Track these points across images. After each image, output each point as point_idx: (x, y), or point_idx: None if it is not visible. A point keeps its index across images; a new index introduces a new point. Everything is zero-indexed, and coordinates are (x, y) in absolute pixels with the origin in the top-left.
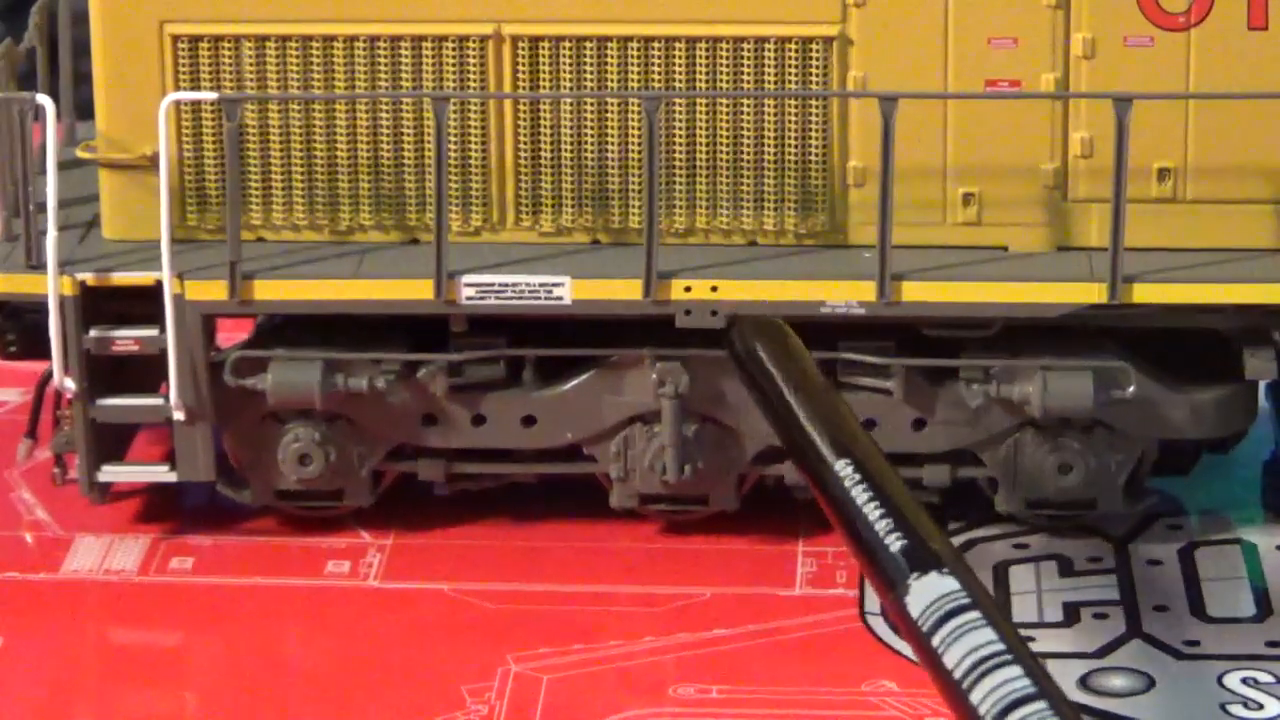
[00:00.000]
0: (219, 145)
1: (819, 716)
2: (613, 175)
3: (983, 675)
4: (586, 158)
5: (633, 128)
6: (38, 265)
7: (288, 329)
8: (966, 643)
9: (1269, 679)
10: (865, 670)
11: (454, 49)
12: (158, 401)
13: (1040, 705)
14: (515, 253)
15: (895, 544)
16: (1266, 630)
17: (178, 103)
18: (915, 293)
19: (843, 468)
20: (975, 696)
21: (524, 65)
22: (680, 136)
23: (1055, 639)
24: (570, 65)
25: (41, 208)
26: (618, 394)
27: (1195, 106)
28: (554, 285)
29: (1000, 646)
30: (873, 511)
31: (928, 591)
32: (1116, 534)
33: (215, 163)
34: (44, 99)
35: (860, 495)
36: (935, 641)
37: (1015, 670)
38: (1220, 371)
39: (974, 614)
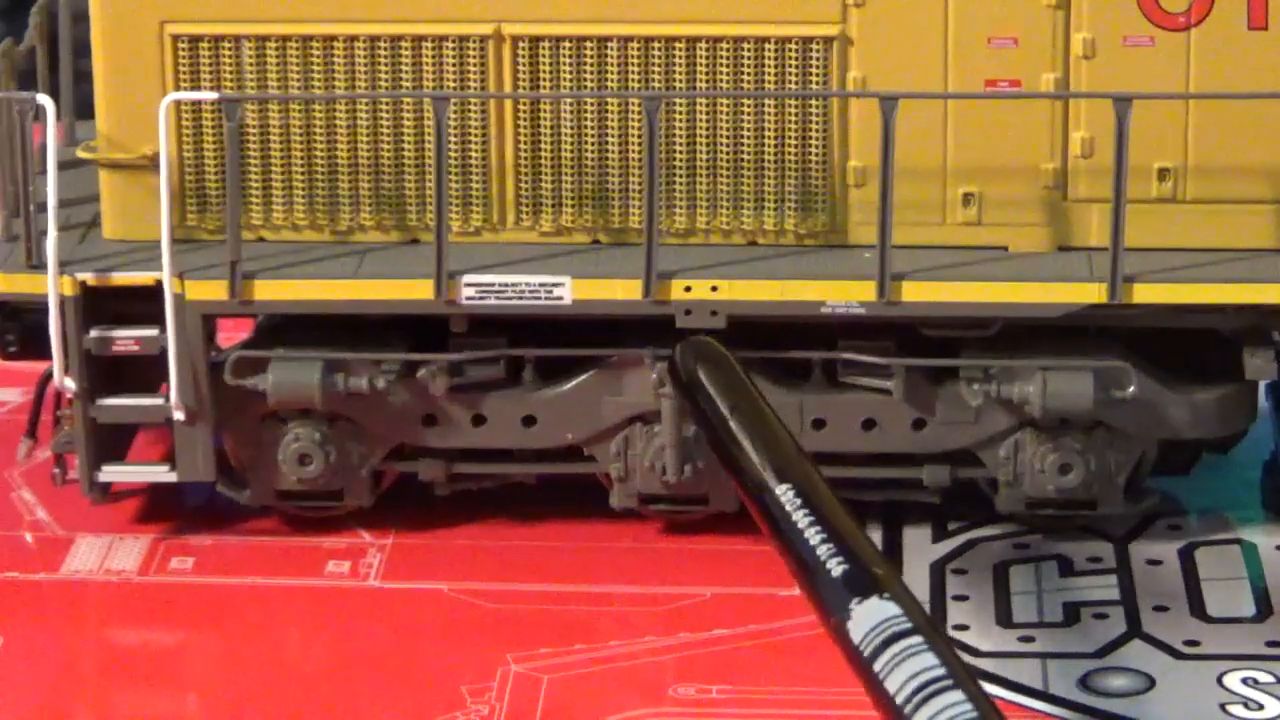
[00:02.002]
0: (219, 145)
1: (819, 716)
2: (613, 175)
3: (925, 700)
4: (586, 158)
5: (633, 128)
6: (38, 265)
7: (288, 329)
8: (908, 668)
9: (1269, 679)
10: None
11: (454, 49)
12: (158, 401)
13: None
14: (515, 253)
15: (836, 569)
16: (1266, 630)
17: (178, 102)
18: (915, 293)
19: (784, 492)
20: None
21: (524, 65)
22: (680, 136)
23: (1055, 639)
24: (570, 65)
25: (41, 208)
26: (618, 394)
27: (1195, 106)
28: (554, 285)
29: (941, 671)
30: (814, 536)
31: (869, 617)
32: (1116, 534)
33: (215, 163)
34: (44, 99)
35: (801, 520)
36: (877, 667)
37: (958, 695)
38: (1220, 371)
39: (916, 639)
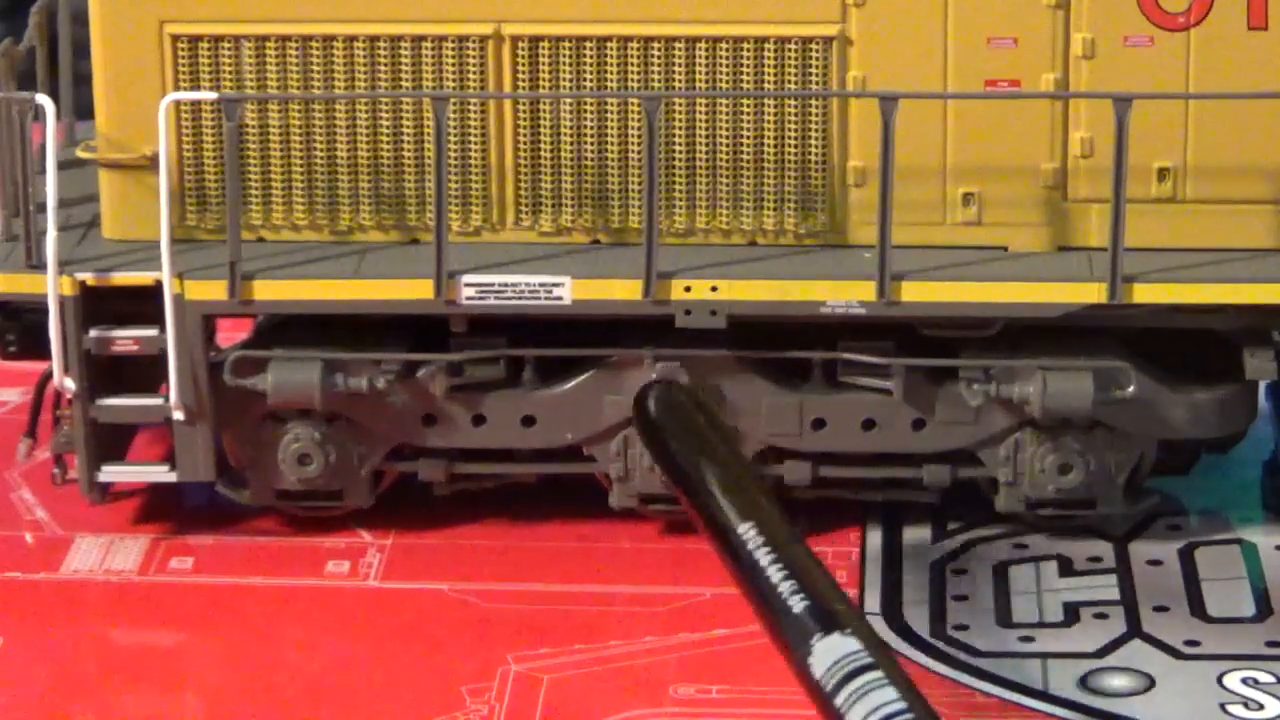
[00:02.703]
0: (219, 145)
1: (819, 716)
2: (613, 175)
3: None
4: (586, 158)
5: (633, 128)
6: (38, 265)
7: (288, 329)
8: (869, 702)
9: (1269, 679)
10: None
11: (454, 49)
12: (158, 401)
13: None
14: (515, 253)
15: (798, 605)
16: (1266, 630)
17: (177, 102)
18: (915, 293)
19: (746, 531)
20: None
21: (524, 65)
22: (680, 136)
23: (1055, 639)
24: (570, 65)
25: (41, 208)
26: (618, 394)
27: (1195, 106)
28: (554, 285)
29: (901, 705)
30: (776, 573)
31: (830, 652)
32: (1116, 534)
33: (215, 163)
34: (44, 99)
35: (764, 558)
36: (838, 702)
37: None
38: (1220, 371)
39: (876, 674)
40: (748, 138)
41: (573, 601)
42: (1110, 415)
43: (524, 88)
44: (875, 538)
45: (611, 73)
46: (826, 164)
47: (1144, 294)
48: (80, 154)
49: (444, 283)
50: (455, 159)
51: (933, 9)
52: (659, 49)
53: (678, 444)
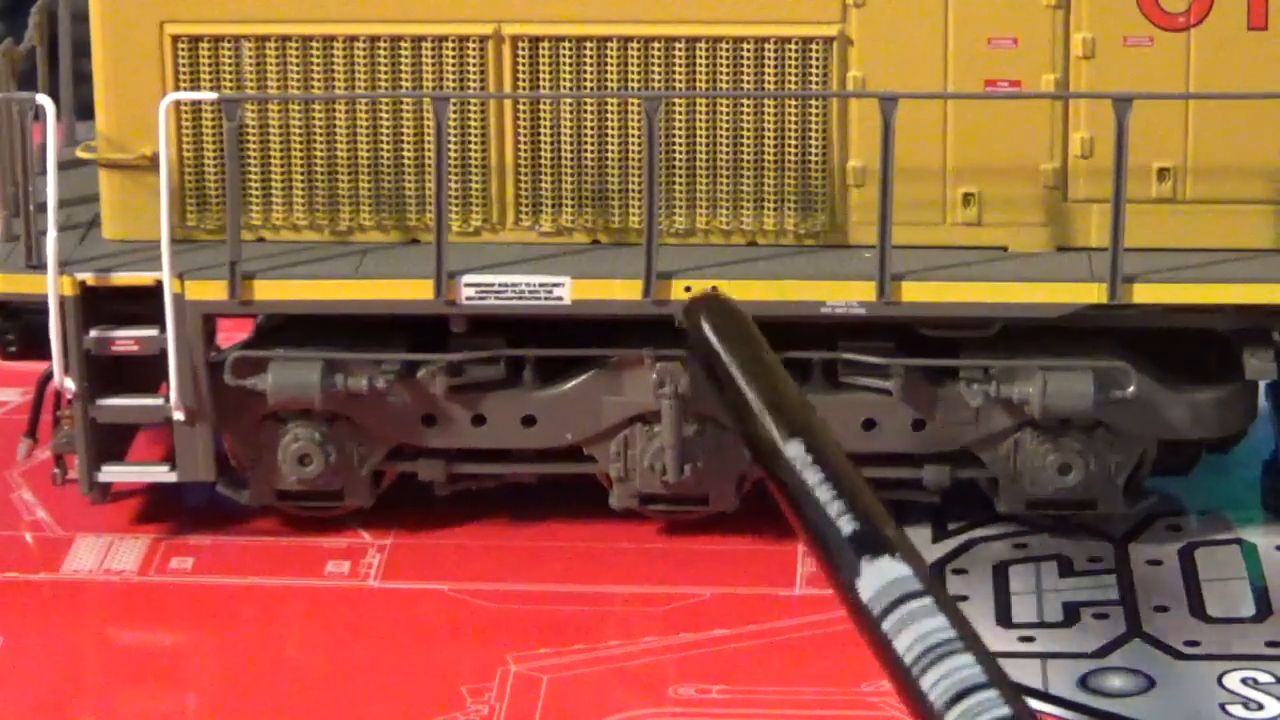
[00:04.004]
0: (219, 145)
1: (819, 716)
2: (613, 175)
3: (933, 662)
4: (586, 158)
5: (633, 128)
6: (38, 265)
7: (288, 329)
8: (917, 629)
9: (1269, 679)
10: (865, 670)
11: (454, 49)
12: (158, 401)
13: (990, 694)
14: (515, 253)
15: (847, 527)
16: (1266, 630)
17: (177, 103)
18: (915, 293)
19: (795, 449)
20: (925, 683)
21: (524, 65)
22: (680, 136)
23: (1055, 639)
24: (570, 65)
25: (41, 208)
26: (618, 394)
27: (1195, 106)
28: (554, 285)
29: (951, 634)
30: (825, 494)
31: (879, 576)
32: (1116, 534)
33: (215, 163)
34: (44, 99)
35: (812, 477)
36: (886, 626)
37: (966, 659)
38: (1220, 371)
39: (925, 600)
40: (748, 138)
41: (573, 601)
42: (1110, 415)
43: (524, 88)
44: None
45: (611, 73)
46: (826, 164)
47: (1144, 294)
48: (80, 154)
49: (444, 283)
50: (455, 159)
51: (933, 9)
52: (659, 49)
53: (722, 357)
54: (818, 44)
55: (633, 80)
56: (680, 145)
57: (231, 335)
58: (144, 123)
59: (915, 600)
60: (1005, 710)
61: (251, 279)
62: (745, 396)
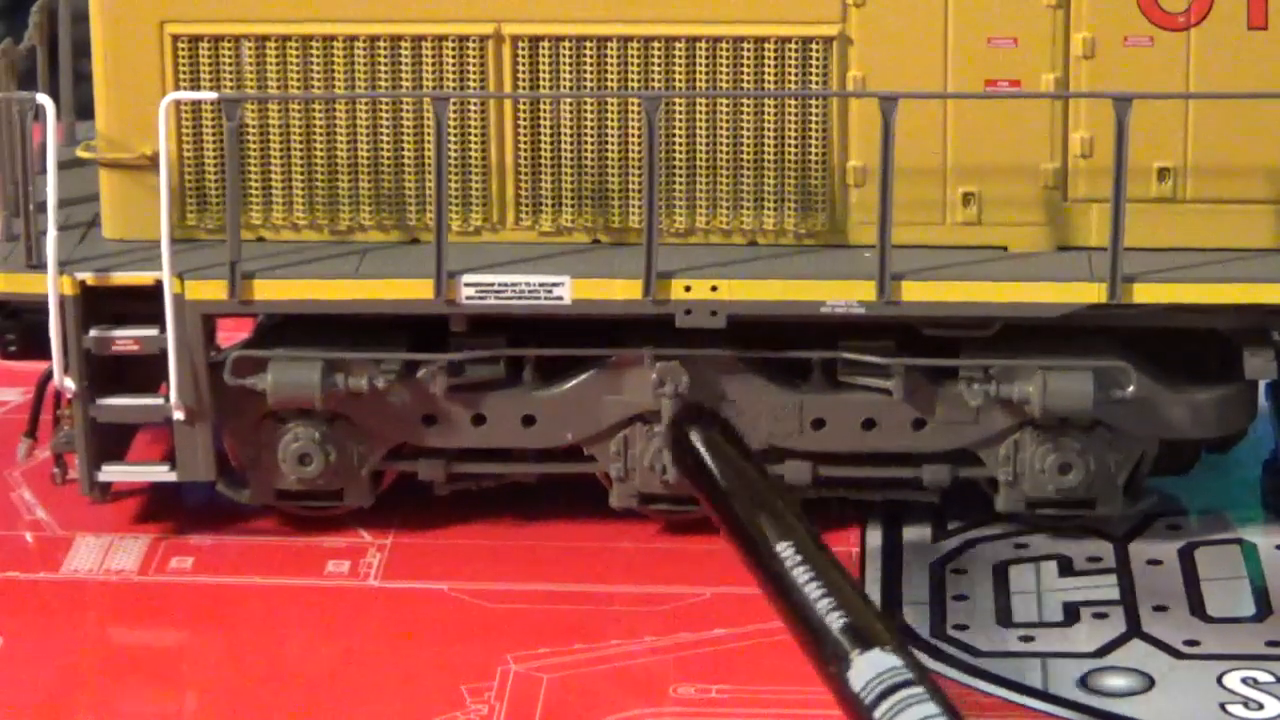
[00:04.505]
0: (219, 145)
1: (819, 716)
2: (613, 175)
3: None
4: (586, 158)
5: (633, 128)
6: (38, 265)
7: (288, 329)
8: (910, 715)
9: (1269, 679)
10: None
11: (454, 49)
12: (158, 401)
13: None
14: (515, 252)
15: (837, 622)
16: (1266, 630)
17: (177, 102)
18: (915, 293)
19: (784, 549)
20: None
21: (524, 65)
22: (680, 136)
23: (1055, 639)
24: (570, 65)
25: (41, 207)
26: (617, 394)
27: (1195, 106)
28: (554, 285)
29: (945, 719)
30: (814, 590)
31: (870, 667)
32: (1116, 534)
33: (215, 162)
34: (44, 99)
35: (801, 575)
36: (878, 714)
37: None
38: (1220, 371)
39: (917, 689)
40: (748, 138)
41: (573, 601)
42: (1110, 415)
43: (524, 88)
44: (875, 538)
45: (611, 73)
46: (826, 164)
47: (1144, 294)
48: (80, 154)
49: (444, 283)
50: (455, 159)
51: (933, 9)
52: (659, 49)
53: (712, 464)
54: (818, 44)
55: (633, 80)
56: (680, 145)
57: (231, 335)
58: (144, 122)
59: (907, 689)
60: None
61: (251, 279)
62: (734, 503)
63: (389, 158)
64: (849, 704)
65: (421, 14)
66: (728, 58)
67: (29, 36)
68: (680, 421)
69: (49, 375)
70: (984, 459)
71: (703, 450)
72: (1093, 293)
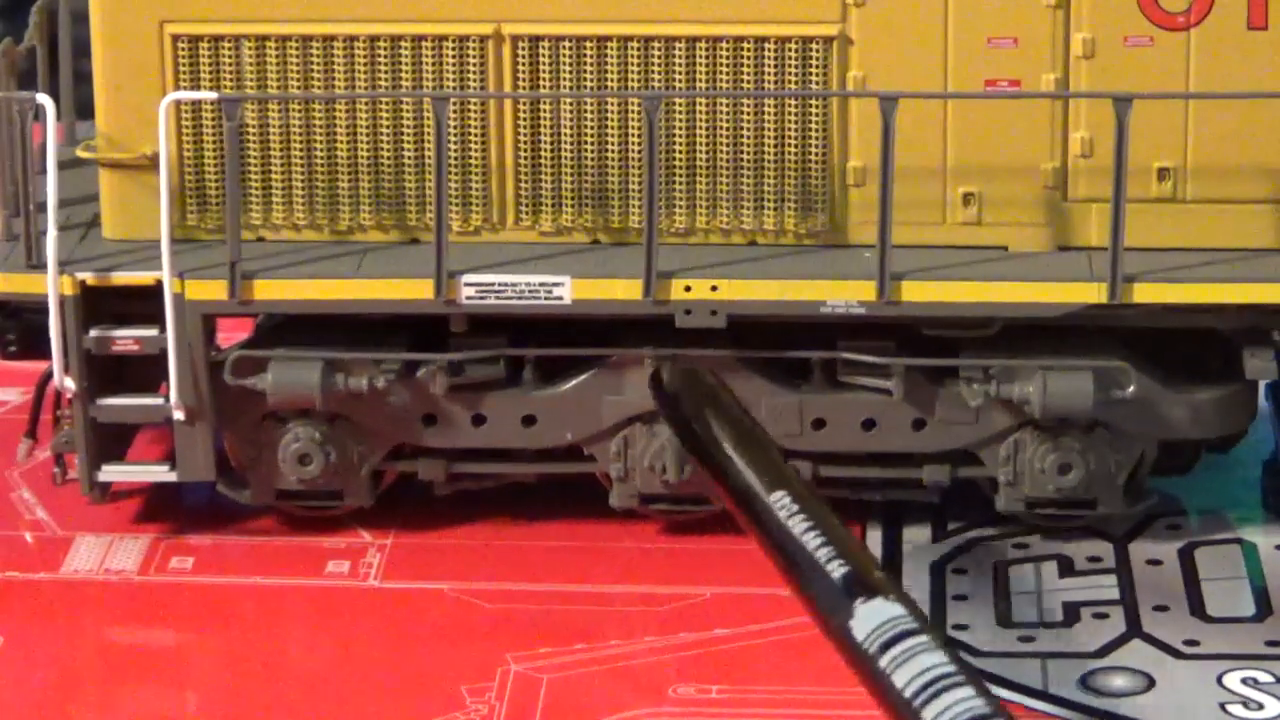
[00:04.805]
0: (219, 145)
1: (819, 716)
2: (613, 175)
3: (935, 695)
4: (586, 158)
5: (633, 128)
6: (38, 265)
7: (288, 329)
8: (916, 665)
9: (1269, 679)
10: None
11: (454, 49)
12: (158, 401)
13: None
14: (515, 252)
15: (837, 571)
16: (1266, 630)
17: (177, 102)
18: (915, 293)
19: (779, 499)
20: (928, 715)
21: (524, 65)
22: (680, 136)
23: (1055, 639)
24: (570, 65)
25: (41, 207)
26: (617, 394)
27: (1195, 106)
28: (554, 285)
29: (951, 669)
30: (812, 540)
31: (873, 616)
32: (1116, 534)
33: (215, 162)
34: (44, 99)
35: (798, 525)
36: (883, 663)
37: (968, 691)
38: (1220, 371)
39: (922, 638)
40: (748, 138)
41: (573, 601)
42: (1110, 415)
43: (524, 88)
44: (875, 538)
45: (611, 73)
46: (826, 164)
47: (1144, 294)
48: (80, 154)
49: (444, 283)
50: (455, 159)
51: (933, 9)
52: (659, 49)
53: (703, 421)
54: (818, 44)
55: (633, 80)
56: (680, 145)
57: (231, 335)
58: (144, 122)
59: (911, 638)
60: None
61: (251, 279)
62: (727, 455)
63: (389, 158)
64: (852, 655)
65: (421, 14)
66: (728, 58)
67: (29, 36)
68: (671, 382)
69: (49, 375)
70: (984, 459)
71: (690, 404)
72: (1093, 293)
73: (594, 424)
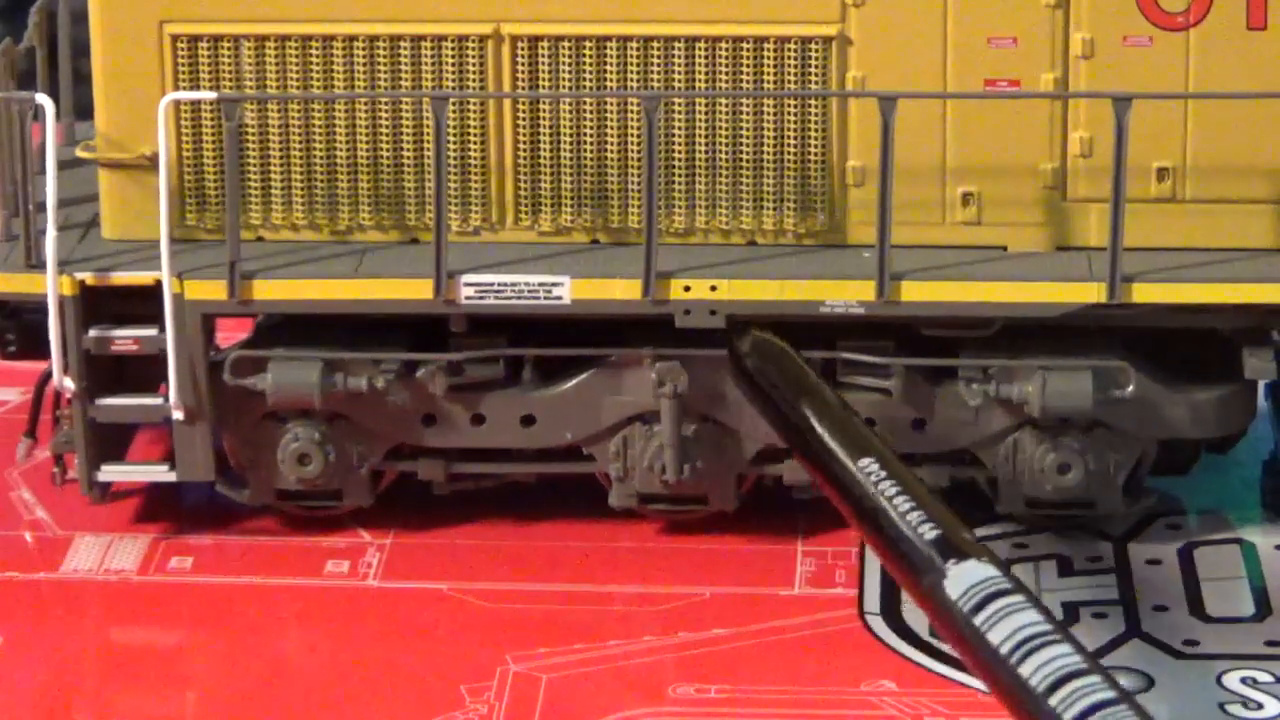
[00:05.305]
0: (218, 145)
1: (819, 716)
2: (612, 175)
3: (1030, 652)
4: (586, 158)
5: (632, 128)
6: (37, 265)
7: (287, 329)
8: (1011, 623)
9: (1268, 679)
10: (865, 670)
11: (454, 49)
12: (157, 401)
13: (1093, 679)
14: (515, 252)
15: (930, 533)
16: (1266, 630)
17: (177, 102)
18: (915, 292)
19: (867, 465)
20: (1025, 670)
21: (524, 65)
22: (680, 136)
23: None
24: (570, 65)
25: (41, 207)
26: (617, 394)
27: (1194, 106)
28: (553, 285)
29: (1046, 627)
30: (903, 504)
31: (966, 576)
32: (1116, 534)
33: (215, 162)
34: (44, 99)
35: (888, 489)
36: (978, 621)
37: (1065, 648)
38: (1220, 371)
39: (1017, 598)
40: (747, 138)
41: (573, 601)
42: (1110, 415)
43: (524, 87)
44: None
45: (611, 73)
46: (826, 164)
47: (1143, 294)
48: (80, 154)
49: (444, 282)
50: (455, 159)
51: (932, 9)
52: (659, 49)
53: (784, 391)
54: (817, 44)
55: (633, 80)
56: (680, 145)
57: (231, 335)
58: (143, 122)
59: (1006, 597)
60: (1109, 694)
61: (251, 279)
62: (811, 422)
63: (388, 158)
64: (945, 615)
65: (421, 14)
66: (727, 58)
67: (29, 37)
68: (749, 352)
69: (48, 375)
70: (983, 459)
71: (762, 368)
72: (1092, 293)
73: (593, 424)
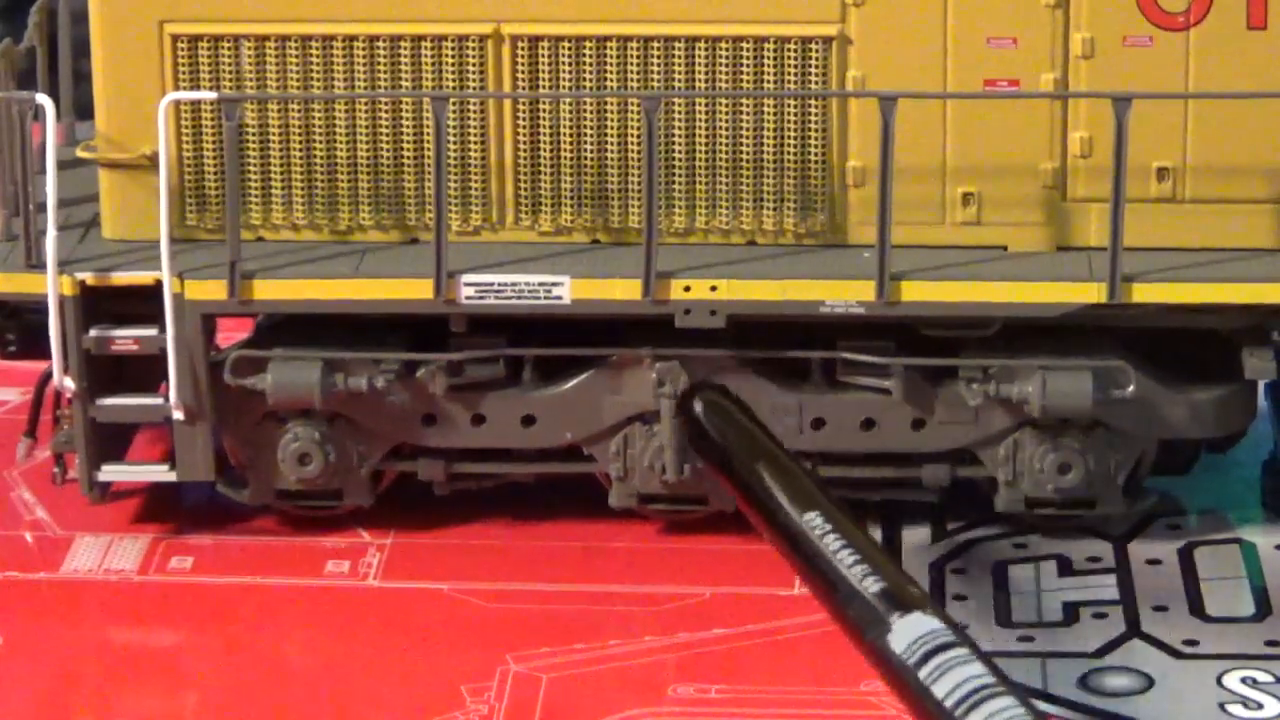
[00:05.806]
0: (219, 145)
1: (819, 716)
2: (612, 175)
3: (976, 705)
4: (586, 158)
5: (632, 128)
6: (37, 265)
7: (287, 329)
8: (956, 676)
9: (1268, 679)
10: (865, 670)
11: (454, 49)
12: (157, 401)
13: None
14: (515, 252)
15: (874, 587)
16: (1266, 630)
17: (177, 102)
18: (915, 292)
19: (812, 519)
20: None
21: (524, 65)
22: (680, 136)
23: (1055, 639)
24: (570, 65)
25: (41, 207)
26: (617, 394)
27: (1194, 106)
28: (553, 285)
29: (990, 679)
30: (847, 558)
31: (911, 630)
32: (1116, 534)
33: (215, 162)
34: (44, 99)
35: (832, 543)
36: (922, 675)
37: (1009, 700)
38: (1220, 371)
39: (961, 650)
40: (747, 138)
41: (573, 601)
42: (1110, 415)
43: (524, 87)
44: (875, 537)
45: (611, 73)
46: (826, 164)
47: (1143, 294)
48: (80, 154)
49: (444, 282)
50: (455, 159)
51: (932, 9)
52: (659, 49)
53: (731, 443)
54: (817, 44)
55: (633, 80)
56: (680, 145)
57: (231, 335)
58: (144, 122)
59: (950, 650)
60: None
61: (251, 279)
62: (758, 476)
63: (388, 157)
64: (891, 669)
65: (421, 14)
66: (727, 58)
67: (29, 36)
68: (688, 398)
69: (49, 375)
70: (983, 459)
71: (714, 425)
72: (1092, 292)
73: (593, 424)
